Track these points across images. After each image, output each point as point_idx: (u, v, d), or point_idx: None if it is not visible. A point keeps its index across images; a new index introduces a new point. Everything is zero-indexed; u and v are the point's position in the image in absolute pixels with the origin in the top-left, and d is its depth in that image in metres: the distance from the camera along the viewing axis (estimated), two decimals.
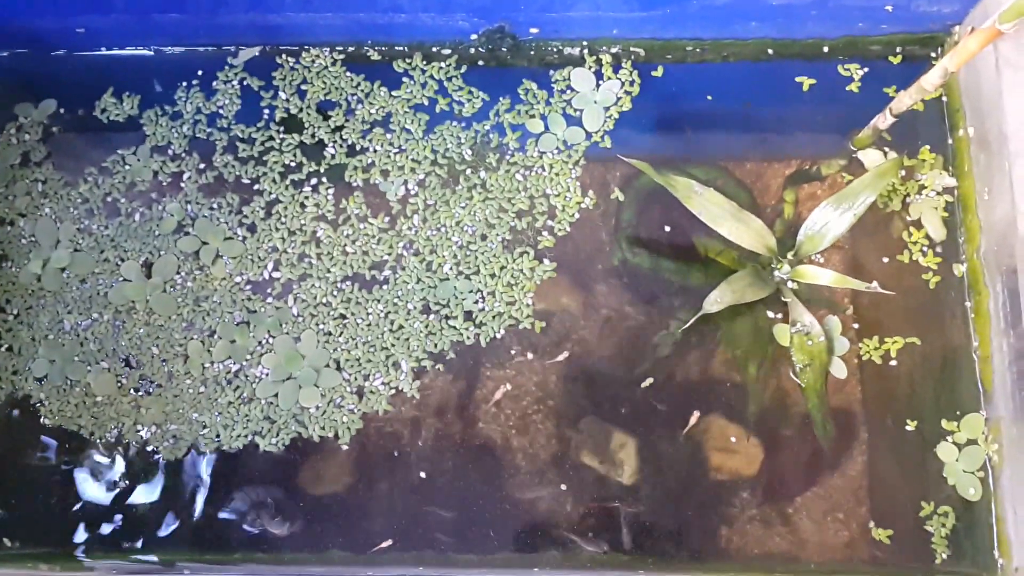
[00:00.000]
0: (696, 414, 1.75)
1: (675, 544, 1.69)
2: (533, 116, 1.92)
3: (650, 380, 1.77)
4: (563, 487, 1.71)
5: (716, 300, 1.70)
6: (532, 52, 1.97)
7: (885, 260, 1.85)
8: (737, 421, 1.74)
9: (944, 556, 1.69)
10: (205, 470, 1.77)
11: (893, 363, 1.79)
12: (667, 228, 1.85)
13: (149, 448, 1.78)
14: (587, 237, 1.85)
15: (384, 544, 1.71)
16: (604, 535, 1.69)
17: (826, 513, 1.71)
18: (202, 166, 1.91)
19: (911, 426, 1.76)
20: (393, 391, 1.79)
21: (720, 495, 1.71)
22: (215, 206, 1.88)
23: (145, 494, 1.77)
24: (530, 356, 1.80)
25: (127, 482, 1.77)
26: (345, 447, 1.78)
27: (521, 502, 1.70)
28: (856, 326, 1.83)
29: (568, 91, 1.94)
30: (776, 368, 1.78)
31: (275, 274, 1.84)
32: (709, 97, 1.93)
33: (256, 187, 1.90)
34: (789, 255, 1.78)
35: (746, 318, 1.80)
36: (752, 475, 1.72)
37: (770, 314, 1.82)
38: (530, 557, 1.68)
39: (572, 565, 1.68)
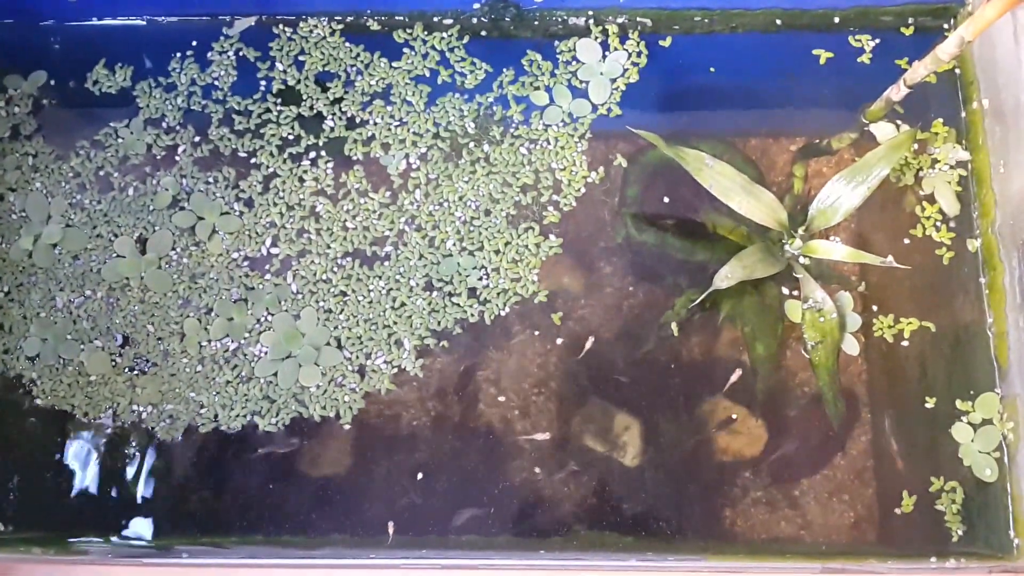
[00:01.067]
0: (738, 372, 1.75)
1: (679, 527, 1.68)
2: (538, 88, 1.90)
3: (655, 358, 1.76)
4: (566, 469, 1.71)
5: (726, 276, 1.67)
6: (536, 22, 1.95)
7: (898, 235, 1.83)
8: (745, 400, 1.73)
9: (959, 535, 1.68)
10: (203, 450, 1.75)
11: (905, 341, 1.78)
12: (674, 203, 1.84)
13: (145, 428, 1.76)
14: (593, 212, 1.84)
15: (387, 528, 1.69)
16: (607, 518, 1.68)
17: (834, 494, 1.70)
18: (197, 139, 1.89)
19: (924, 405, 1.75)
20: (396, 370, 1.77)
21: (726, 476, 1.70)
22: (211, 180, 1.86)
23: (140, 475, 1.75)
24: (535, 334, 1.80)
25: (122, 463, 1.75)
26: (347, 427, 1.76)
27: (524, 484, 1.69)
28: (868, 303, 1.81)
29: (573, 62, 1.93)
30: (786, 345, 1.77)
31: (273, 250, 1.82)
32: (714, 70, 1.91)
33: (253, 161, 1.87)
34: (800, 230, 1.76)
35: (755, 295, 1.78)
36: (759, 455, 1.71)
37: (781, 291, 1.80)
38: (534, 540, 1.67)
39: (576, 548, 1.66)
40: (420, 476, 1.71)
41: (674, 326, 1.76)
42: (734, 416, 1.74)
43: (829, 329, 1.74)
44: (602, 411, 1.72)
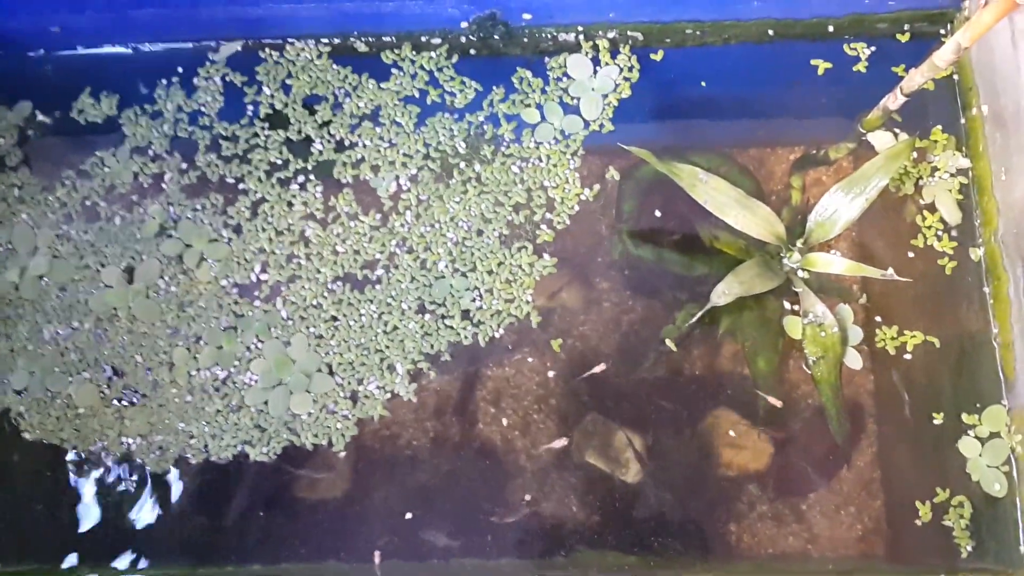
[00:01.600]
0: (602, 365, 1.72)
1: (683, 544, 1.67)
2: (528, 105, 1.89)
3: (655, 375, 1.75)
4: (567, 488, 1.69)
5: (724, 292, 1.66)
6: (526, 39, 1.93)
7: (899, 246, 1.81)
8: (747, 416, 1.72)
9: (968, 551, 1.66)
10: (193, 482, 1.73)
11: (909, 353, 1.76)
12: (670, 219, 1.82)
13: (135, 460, 1.75)
14: (587, 230, 1.82)
15: (377, 557, 1.68)
16: (609, 537, 1.67)
17: (840, 509, 1.69)
18: (184, 166, 1.88)
19: (930, 420, 1.72)
20: (389, 395, 1.76)
21: (729, 492, 1.69)
22: (198, 207, 1.85)
23: (131, 508, 1.73)
24: (531, 355, 1.79)
25: (112, 496, 1.73)
26: (340, 454, 1.74)
27: (523, 505, 1.68)
28: (870, 315, 1.79)
29: (564, 79, 1.91)
30: (787, 361, 1.75)
31: (263, 276, 1.81)
32: (705, 84, 1.91)
33: (241, 186, 1.86)
34: (798, 243, 1.73)
35: (754, 310, 1.77)
36: (762, 471, 1.69)
37: (780, 305, 1.79)
38: (534, 562, 1.66)
39: (578, 569, 1.66)
40: (416, 501, 1.70)
41: (670, 342, 1.75)
42: (732, 433, 1.72)
43: (831, 344, 1.72)
44: (603, 428, 1.70)
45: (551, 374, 1.76)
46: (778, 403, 1.69)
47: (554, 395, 1.74)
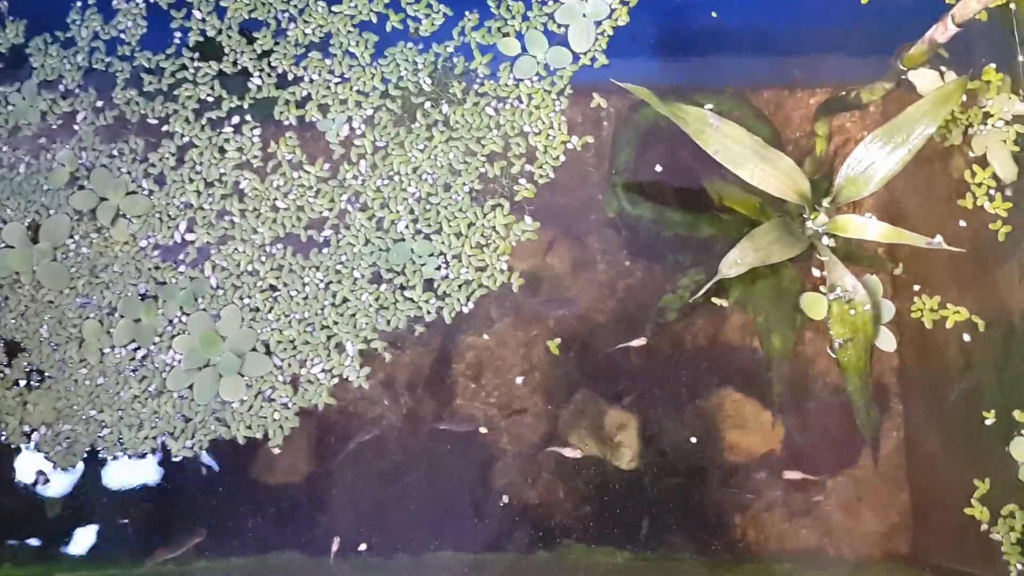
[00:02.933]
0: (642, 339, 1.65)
1: (682, 538, 1.61)
2: (507, 34, 1.76)
3: (655, 349, 1.68)
4: (552, 476, 1.63)
5: (736, 261, 1.54)
6: None
7: (943, 207, 1.71)
8: (759, 403, 1.65)
9: (1018, 569, 1.57)
10: (105, 479, 1.62)
11: (950, 334, 1.66)
12: (673, 171, 1.74)
13: (38, 453, 1.62)
14: (576, 185, 1.73)
15: (335, 544, 1.60)
16: (598, 530, 1.61)
17: (865, 521, 1.62)
18: (99, 104, 1.75)
19: (975, 416, 1.62)
20: (336, 380, 1.65)
21: (736, 481, 1.63)
22: (115, 153, 1.72)
23: (32, 507, 1.62)
24: (508, 332, 1.69)
25: (10, 494, 1.63)
26: (277, 451, 1.63)
27: (498, 503, 1.61)
28: (903, 288, 1.69)
29: (550, 2, 1.79)
30: (805, 340, 1.66)
31: (189, 236, 1.70)
32: (716, 13, 1.80)
33: (165, 129, 1.74)
34: (825, 202, 1.63)
35: (768, 279, 1.68)
36: (772, 457, 1.63)
37: (799, 275, 1.70)
38: (516, 558, 1.60)
39: (565, 565, 1.60)
40: (371, 504, 1.61)
41: (672, 314, 1.68)
42: (739, 414, 1.66)
43: (861, 324, 1.61)
44: (593, 408, 1.65)
45: (532, 357, 1.67)
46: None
47: (535, 380, 1.66)
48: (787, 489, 1.62)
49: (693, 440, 1.63)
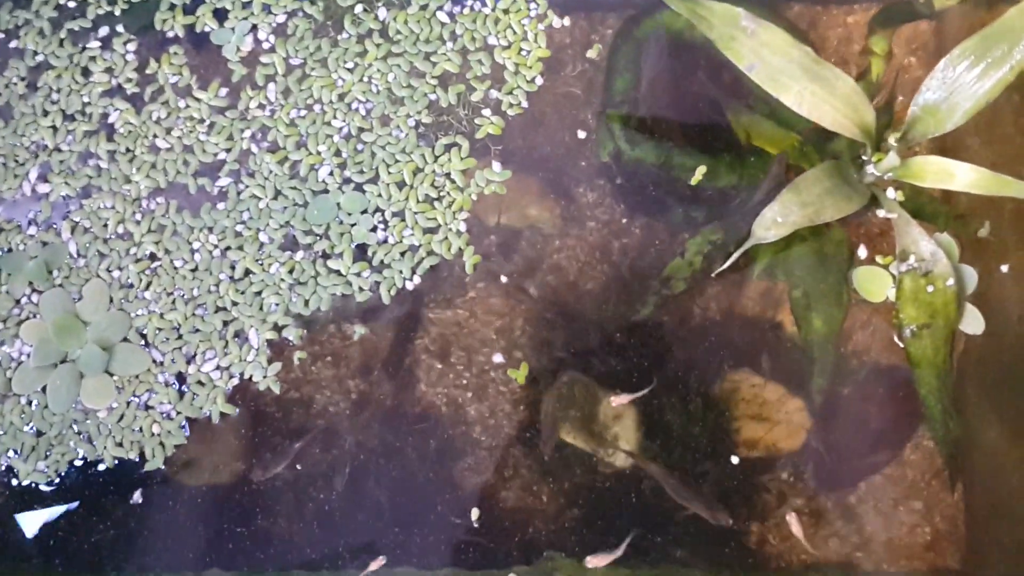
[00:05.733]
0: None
1: (688, 550, 1.50)
2: None
3: (657, 327, 1.58)
4: (533, 475, 1.53)
5: (775, 221, 1.37)
6: None
7: None
8: (783, 389, 1.52)
9: None
10: None
11: None
12: (685, 101, 1.63)
13: None
14: (558, 119, 1.62)
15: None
16: (588, 538, 1.49)
17: (915, 541, 1.47)
18: None
19: None
20: (236, 381, 1.51)
21: (754, 481, 1.52)
22: None
23: None
24: (466, 317, 1.55)
25: None
26: (160, 474, 1.50)
27: (467, 510, 1.50)
28: (984, 252, 1.54)
29: None
30: (859, 322, 1.52)
31: (41, 188, 1.57)
32: None
33: (13, 45, 1.62)
34: (891, 139, 1.44)
35: (810, 241, 1.54)
36: (796, 454, 1.50)
37: (848, 237, 1.55)
38: (487, 574, 1.49)
39: None
40: (294, 528, 1.48)
41: (680, 282, 1.57)
42: (766, 403, 1.54)
43: (941, 305, 1.42)
44: (583, 394, 1.55)
45: (506, 337, 1.55)
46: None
47: (509, 363, 1.53)
48: (814, 493, 1.52)
49: (700, 432, 1.54)
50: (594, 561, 1.52)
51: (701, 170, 1.60)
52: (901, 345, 1.49)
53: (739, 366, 1.54)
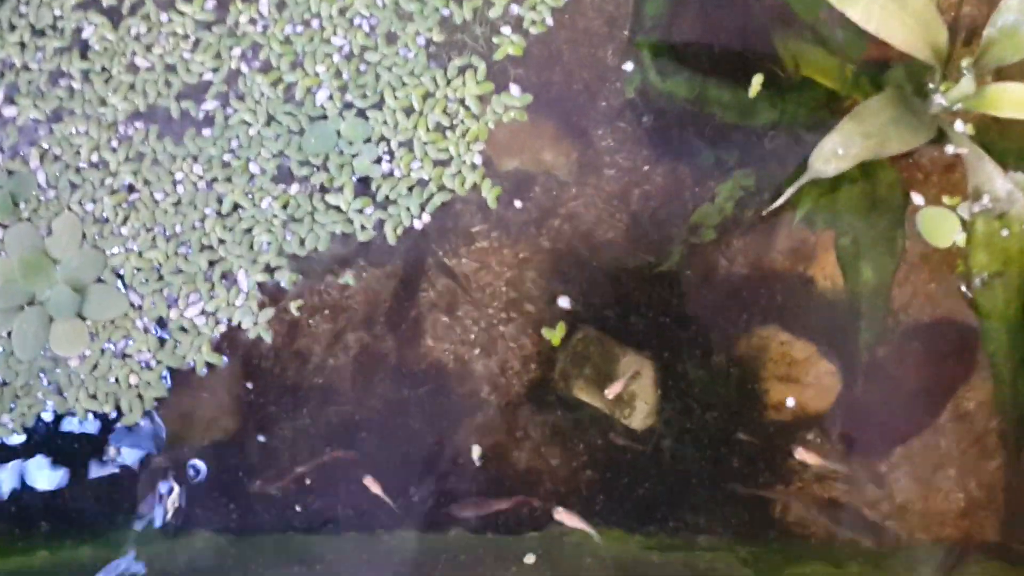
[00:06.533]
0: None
1: (708, 518, 1.46)
2: None
3: (683, 278, 1.52)
4: (544, 435, 1.48)
5: (835, 153, 1.30)
6: None
7: None
8: (814, 348, 1.46)
9: None
10: None
11: None
12: (724, 26, 1.54)
13: None
14: (584, 41, 1.54)
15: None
16: (603, 506, 1.46)
17: (951, 508, 1.43)
18: None
19: None
20: (224, 328, 1.44)
21: (778, 453, 1.47)
22: None
23: None
24: (479, 259, 1.47)
25: None
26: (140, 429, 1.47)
27: (473, 471, 1.46)
28: None
29: None
30: (913, 270, 1.45)
31: (7, 111, 1.49)
32: None
33: None
34: (963, 64, 1.38)
35: (861, 183, 1.46)
36: (830, 442, 1.45)
37: (902, 177, 1.47)
38: (496, 539, 1.45)
39: (560, 555, 1.48)
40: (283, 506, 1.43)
41: (710, 230, 1.51)
42: (796, 363, 1.49)
43: (1017, 251, 1.35)
44: (600, 350, 1.50)
45: (519, 287, 1.49)
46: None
47: (529, 298, 1.48)
48: (845, 459, 1.47)
49: (724, 392, 1.48)
50: (561, 515, 1.49)
51: (758, 79, 1.49)
52: (968, 296, 1.42)
53: (767, 322, 1.50)
